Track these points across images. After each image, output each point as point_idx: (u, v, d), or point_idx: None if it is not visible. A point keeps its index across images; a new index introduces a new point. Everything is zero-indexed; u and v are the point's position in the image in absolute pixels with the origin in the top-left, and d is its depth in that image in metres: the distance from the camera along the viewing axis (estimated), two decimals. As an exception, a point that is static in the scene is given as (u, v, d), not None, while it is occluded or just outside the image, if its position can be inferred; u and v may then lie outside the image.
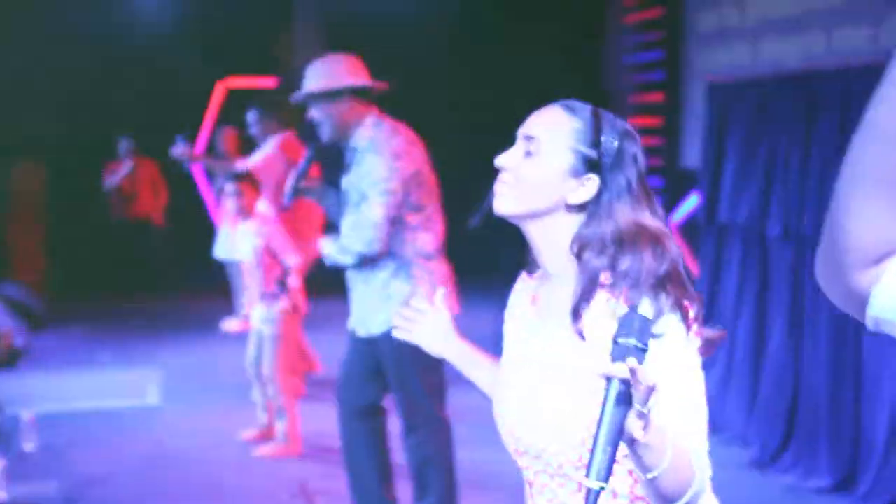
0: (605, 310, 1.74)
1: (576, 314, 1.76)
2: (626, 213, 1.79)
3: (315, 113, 3.99)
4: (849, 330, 4.58)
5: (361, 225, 3.84)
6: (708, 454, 1.70)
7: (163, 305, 10.22)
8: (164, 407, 6.56)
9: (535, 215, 1.83)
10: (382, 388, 4.18)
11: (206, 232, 11.81)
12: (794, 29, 8.93)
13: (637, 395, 1.44)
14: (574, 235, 1.80)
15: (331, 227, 5.21)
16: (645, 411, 1.45)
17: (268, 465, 5.40)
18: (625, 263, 1.74)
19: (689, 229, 6.82)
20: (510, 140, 1.91)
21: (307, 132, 6.41)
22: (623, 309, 1.63)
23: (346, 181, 4.04)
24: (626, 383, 1.44)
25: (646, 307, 1.59)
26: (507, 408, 1.87)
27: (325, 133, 4.00)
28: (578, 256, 1.79)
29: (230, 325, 8.85)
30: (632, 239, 1.76)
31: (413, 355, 3.96)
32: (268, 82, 12.03)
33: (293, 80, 11.80)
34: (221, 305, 9.38)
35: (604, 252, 1.76)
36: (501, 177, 1.86)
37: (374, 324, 4.00)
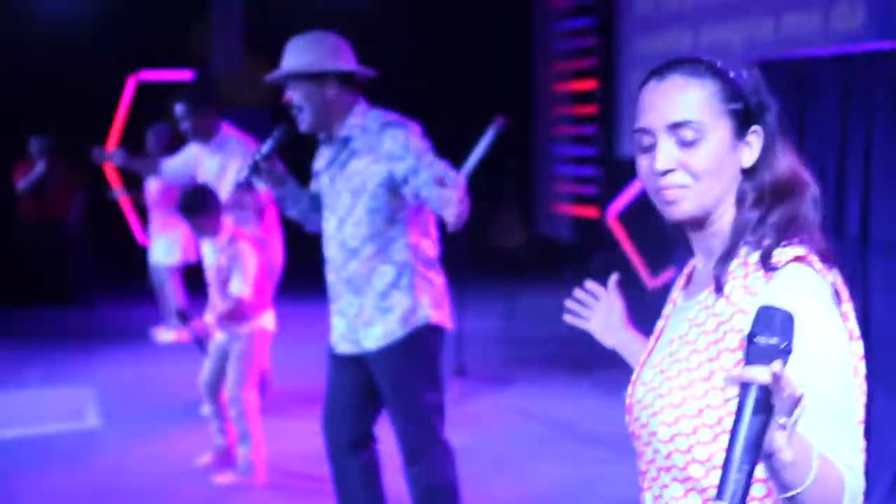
0: (748, 272, 1.56)
1: (717, 274, 1.59)
2: (782, 158, 1.64)
3: (294, 95, 3.53)
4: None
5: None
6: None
7: (86, 315, 9.62)
8: (105, 430, 6.04)
9: (719, 202, 1.63)
10: (374, 413, 3.80)
11: (125, 235, 11.27)
12: (739, 14, 8.81)
13: (779, 405, 1.25)
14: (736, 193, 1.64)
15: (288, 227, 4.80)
16: (789, 423, 1.26)
17: (231, 495, 4.95)
18: (777, 214, 1.59)
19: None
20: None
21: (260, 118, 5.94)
22: (758, 278, 1.53)
23: (328, 177, 3.63)
24: (765, 390, 1.25)
25: (786, 284, 1.49)
26: (633, 388, 1.72)
27: (305, 120, 3.54)
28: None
29: (165, 335, 8.33)
30: (789, 187, 1.62)
31: (415, 371, 3.64)
32: (184, 75, 11.47)
33: (210, 72, 11.38)
34: (149, 313, 8.86)
35: (760, 202, 1.61)
36: (671, 180, 1.61)
37: (370, 338, 3.60)
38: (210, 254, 5.11)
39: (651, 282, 10.11)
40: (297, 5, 11.43)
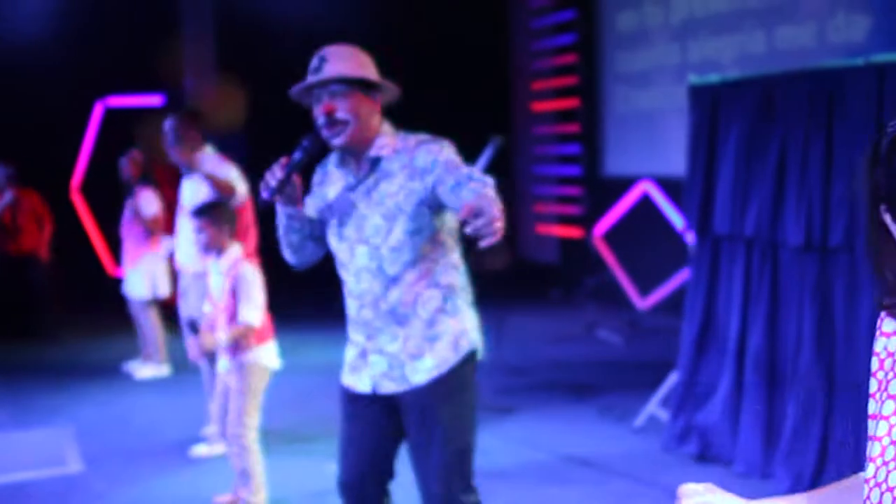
0: None
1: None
2: None
3: (340, 105, 3.16)
4: None
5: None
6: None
7: (56, 351, 9.21)
8: (89, 474, 5.66)
9: None
10: (393, 465, 3.46)
11: (95, 267, 10.88)
12: (730, 28, 8.64)
13: None
14: None
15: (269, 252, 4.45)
16: None
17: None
18: None
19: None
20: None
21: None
22: None
23: (348, 202, 3.28)
24: None
25: None
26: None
27: (347, 134, 3.18)
28: None
29: (142, 370, 7.95)
30: None
31: (465, 406, 3.30)
32: (153, 100, 11.14)
33: (182, 96, 11.04)
34: (122, 347, 8.49)
35: None
36: None
37: (419, 372, 3.25)
38: (215, 276, 4.78)
39: (641, 303, 9.89)
40: (270, 26, 11.15)
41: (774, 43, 8.07)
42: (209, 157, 5.78)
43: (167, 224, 7.39)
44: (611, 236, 10.33)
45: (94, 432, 6.42)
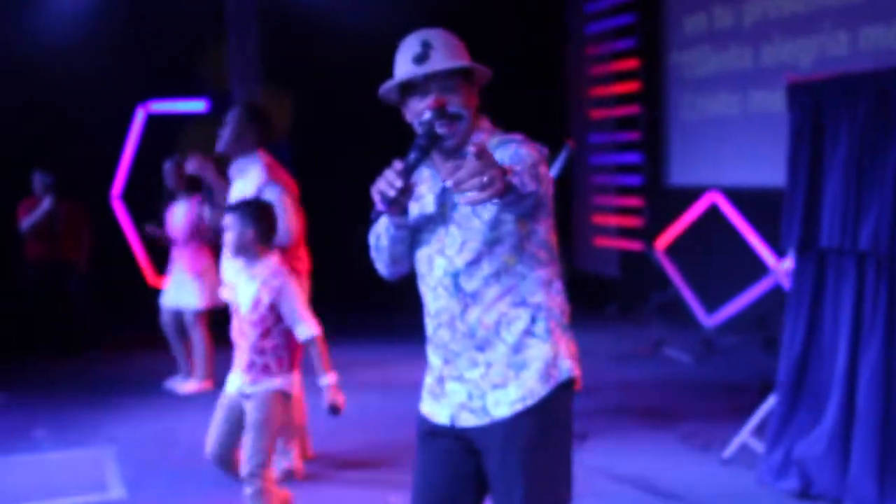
0: None
1: None
2: None
3: (452, 100, 2.72)
4: None
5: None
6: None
7: (95, 365, 8.84)
8: (133, 500, 5.25)
9: None
10: None
11: (136, 277, 10.51)
12: (808, 29, 8.14)
13: None
14: None
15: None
16: None
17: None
18: None
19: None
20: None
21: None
22: None
23: (434, 206, 2.82)
24: None
25: None
26: None
27: (462, 132, 2.75)
28: None
29: (186, 386, 7.55)
30: None
31: (557, 446, 2.79)
32: (197, 105, 10.78)
33: (227, 101, 10.69)
34: (162, 362, 8.10)
35: None
36: None
37: (501, 404, 2.76)
38: (245, 286, 4.32)
39: (707, 320, 9.38)
40: (317, 30, 10.77)
41: (858, 44, 7.56)
42: (259, 165, 5.34)
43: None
44: (674, 249, 9.82)
45: (136, 453, 6.01)
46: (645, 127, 10.35)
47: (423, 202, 2.84)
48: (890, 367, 4.45)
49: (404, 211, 2.74)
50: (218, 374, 7.39)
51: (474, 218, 2.74)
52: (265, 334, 4.21)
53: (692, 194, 9.48)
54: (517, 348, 2.76)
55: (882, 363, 4.45)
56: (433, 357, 2.91)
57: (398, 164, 2.58)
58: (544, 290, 2.79)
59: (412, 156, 2.61)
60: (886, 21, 7.28)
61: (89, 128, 10.17)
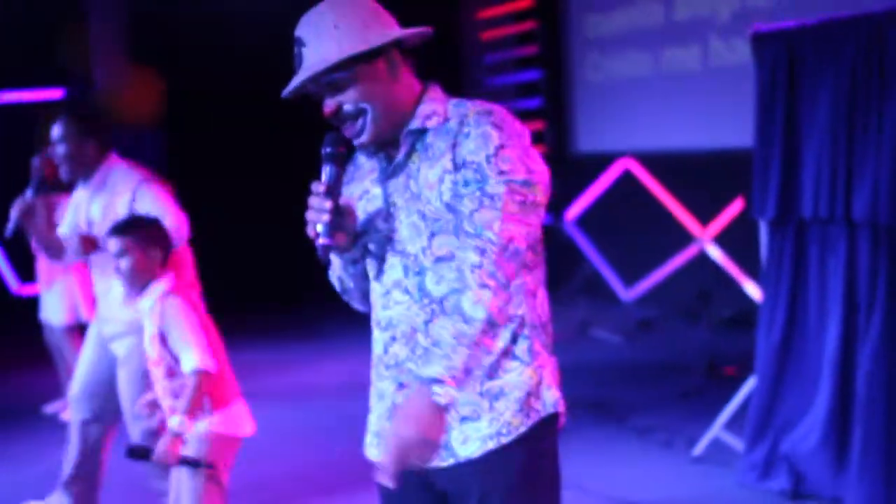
0: None
1: None
2: None
3: (344, 98, 2.21)
4: None
5: (474, 260, 2.07)
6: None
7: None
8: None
9: None
10: None
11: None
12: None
13: None
14: None
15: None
16: None
17: None
18: None
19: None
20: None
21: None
22: None
23: (394, 187, 2.26)
24: None
25: None
26: None
27: (371, 126, 2.22)
28: None
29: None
30: None
31: (540, 494, 2.27)
32: (54, 93, 9.77)
33: (88, 89, 9.69)
34: (44, 383, 7.18)
35: None
36: None
37: (470, 442, 2.19)
38: (147, 322, 3.55)
39: (625, 294, 8.91)
40: (186, 9, 9.82)
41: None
42: (117, 168, 4.48)
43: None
44: (588, 221, 9.31)
45: (10, 496, 5.14)
46: (546, 92, 9.79)
47: (370, 195, 2.29)
48: (893, 348, 3.96)
49: (352, 237, 2.25)
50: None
51: (445, 208, 2.16)
52: (171, 374, 3.44)
53: (603, 161, 8.99)
54: (492, 372, 2.20)
55: (886, 344, 3.95)
56: (382, 382, 2.30)
57: (318, 185, 2.17)
58: (529, 301, 2.23)
59: (328, 169, 2.20)
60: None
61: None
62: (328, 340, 8.02)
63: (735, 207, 7.59)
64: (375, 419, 2.34)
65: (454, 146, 2.16)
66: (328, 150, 2.20)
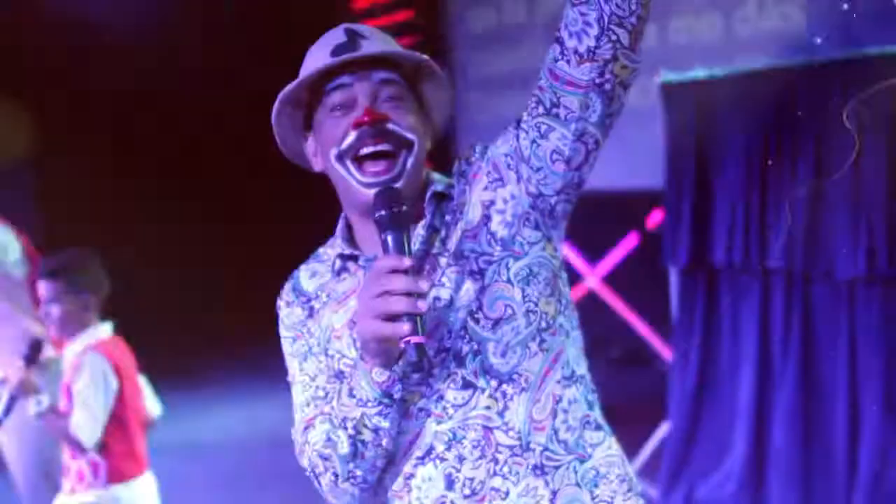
0: None
1: None
2: None
3: (394, 114, 1.67)
4: None
5: None
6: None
7: None
8: None
9: None
10: None
11: None
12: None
13: None
14: None
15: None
16: None
17: None
18: None
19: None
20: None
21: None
22: None
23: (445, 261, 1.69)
24: None
25: None
26: None
27: (410, 168, 1.67)
28: None
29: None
30: None
31: None
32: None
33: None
34: None
35: None
36: None
37: None
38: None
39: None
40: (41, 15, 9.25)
41: (667, 34, 7.25)
42: None
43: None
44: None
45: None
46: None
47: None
48: (809, 395, 4.02)
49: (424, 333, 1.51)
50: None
51: (503, 250, 1.68)
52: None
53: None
54: (581, 450, 1.69)
55: (800, 392, 4.01)
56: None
57: (395, 260, 1.50)
58: (582, 353, 1.78)
59: (391, 237, 1.54)
60: (696, 14, 7.00)
61: None
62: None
63: (626, 245, 7.64)
64: None
65: (490, 182, 1.70)
66: (385, 212, 1.55)
